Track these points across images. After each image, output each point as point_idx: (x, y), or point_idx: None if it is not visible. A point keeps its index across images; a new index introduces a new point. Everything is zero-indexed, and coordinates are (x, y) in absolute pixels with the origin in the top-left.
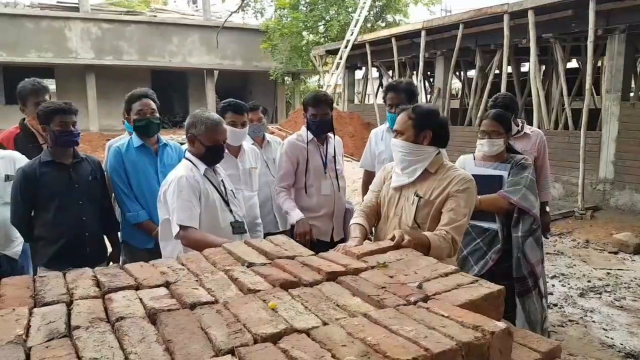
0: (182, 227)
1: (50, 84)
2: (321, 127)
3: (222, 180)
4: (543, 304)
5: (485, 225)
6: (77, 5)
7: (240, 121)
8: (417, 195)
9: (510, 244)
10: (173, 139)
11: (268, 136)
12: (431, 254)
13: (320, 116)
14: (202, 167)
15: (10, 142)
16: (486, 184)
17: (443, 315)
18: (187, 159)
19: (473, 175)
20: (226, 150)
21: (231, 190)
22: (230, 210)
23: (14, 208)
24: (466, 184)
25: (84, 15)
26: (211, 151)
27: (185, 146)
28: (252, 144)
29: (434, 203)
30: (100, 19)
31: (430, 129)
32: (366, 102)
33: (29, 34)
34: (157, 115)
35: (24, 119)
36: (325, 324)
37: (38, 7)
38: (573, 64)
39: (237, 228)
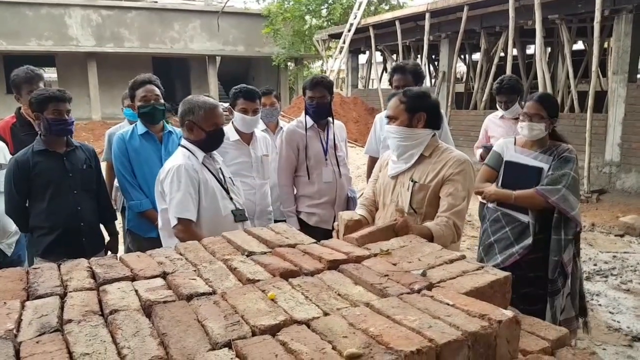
0: (180, 220)
1: (52, 73)
2: (318, 110)
3: (219, 168)
4: (575, 303)
5: (517, 215)
6: None
7: (252, 108)
8: (412, 180)
9: (542, 243)
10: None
11: (281, 122)
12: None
13: (317, 99)
14: (200, 155)
15: (7, 132)
16: (523, 174)
17: (448, 304)
18: (183, 146)
19: (511, 162)
20: (238, 137)
21: (229, 177)
22: (231, 198)
23: (8, 198)
24: (461, 166)
25: (84, 1)
26: (212, 136)
27: None
28: (264, 129)
29: (429, 187)
30: (100, 5)
31: (423, 111)
32: (370, 86)
33: (29, 22)
34: (162, 101)
35: (19, 108)
36: (326, 314)
37: None
38: (579, 45)
39: (239, 216)
